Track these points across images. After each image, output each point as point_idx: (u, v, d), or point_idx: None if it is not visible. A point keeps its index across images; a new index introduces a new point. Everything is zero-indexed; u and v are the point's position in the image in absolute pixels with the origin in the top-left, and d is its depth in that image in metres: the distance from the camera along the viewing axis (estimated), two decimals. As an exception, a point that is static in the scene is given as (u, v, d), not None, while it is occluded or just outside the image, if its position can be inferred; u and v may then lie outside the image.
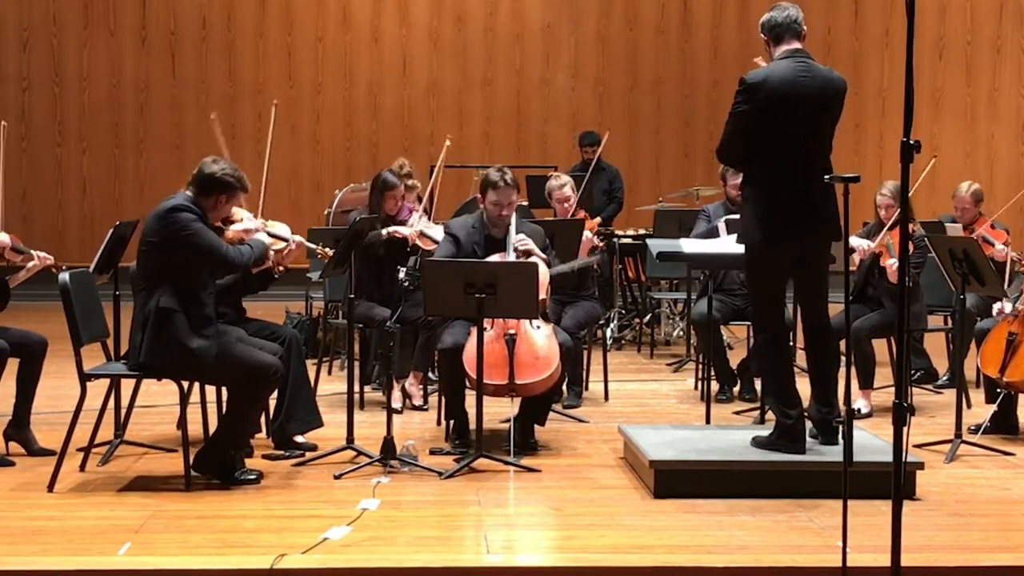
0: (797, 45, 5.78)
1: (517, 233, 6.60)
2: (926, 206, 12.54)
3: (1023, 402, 7.00)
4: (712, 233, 7.54)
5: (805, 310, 5.90)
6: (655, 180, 14.14)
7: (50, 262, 6.43)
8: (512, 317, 6.21)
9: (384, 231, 7.39)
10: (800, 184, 5.63)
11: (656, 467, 5.55)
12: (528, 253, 6.50)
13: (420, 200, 8.08)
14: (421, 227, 7.53)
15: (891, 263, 7.15)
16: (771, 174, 5.68)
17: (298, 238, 6.26)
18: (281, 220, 6.50)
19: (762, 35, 5.87)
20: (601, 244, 7.94)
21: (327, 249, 6.53)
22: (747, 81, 5.70)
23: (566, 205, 8.07)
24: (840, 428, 5.63)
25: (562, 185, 8.11)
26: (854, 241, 7.26)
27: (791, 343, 6.18)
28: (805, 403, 5.81)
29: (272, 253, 6.07)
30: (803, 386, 5.81)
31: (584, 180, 9.73)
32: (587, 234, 7.72)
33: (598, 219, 10.66)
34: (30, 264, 6.43)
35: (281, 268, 6.23)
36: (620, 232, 10.84)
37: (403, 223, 7.58)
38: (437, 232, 7.39)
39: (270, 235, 6.12)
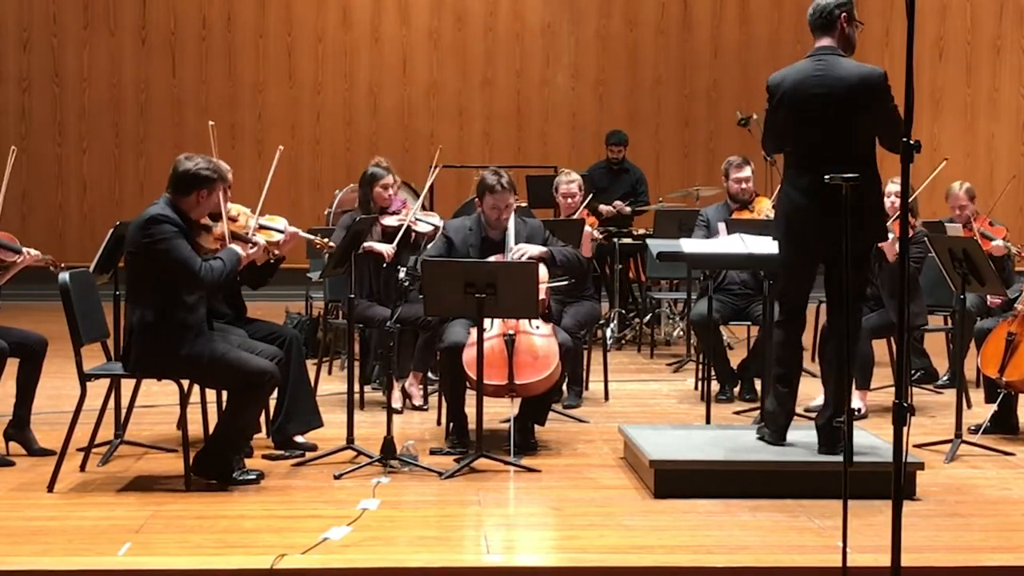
0: (827, 42, 5.71)
1: (516, 234, 6.61)
2: (926, 206, 12.51)
3: (1023, 402, 7.00)
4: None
5: (829, 309, 5.89)
6: (655, 180, 14.07)
7: (37, 256, 6.36)
8: (512, 317, 6.21)
9: (362, 247, 7.24)
10: (817, 193, 5.50)
11: (656, 467, 5.55)
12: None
13: (411, 188, 8.08)
14: (415, 215, 7.56)
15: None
16: (798, 173, 5.72)
17: (293, 228, 6.21)
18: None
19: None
20: (600, 237, 8.03)
21: (326, 240, 6.53)
22: (768, 82, 5.85)
23: (570, 201, 8.12)
24: (838, 432, 5.67)
25: (570, 181, 8.21)
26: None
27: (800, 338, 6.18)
28: (804, 403, 5.82)
29: (256, 245, 5.99)
30: (804, 387, 5.82)
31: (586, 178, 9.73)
32: (587, 229, 7.77)
33: (617, 203, 10.80)
34: (18, 259, 6.32)
35: (277, 253, 6.14)
36: (624, 229, 10.81)
37: (395, 214, 7.58)
38: (433, 218, 7.45)
39: (263, 228, 6.09)
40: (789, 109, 5.70)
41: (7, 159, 6.78)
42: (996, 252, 7.83)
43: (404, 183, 8.78)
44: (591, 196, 10.36)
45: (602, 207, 10.80)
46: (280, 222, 6.24)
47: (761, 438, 5.89)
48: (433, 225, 7.45)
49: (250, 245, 5.95)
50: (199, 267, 5.52)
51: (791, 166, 5.78)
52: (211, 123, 6.53)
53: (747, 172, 8.18)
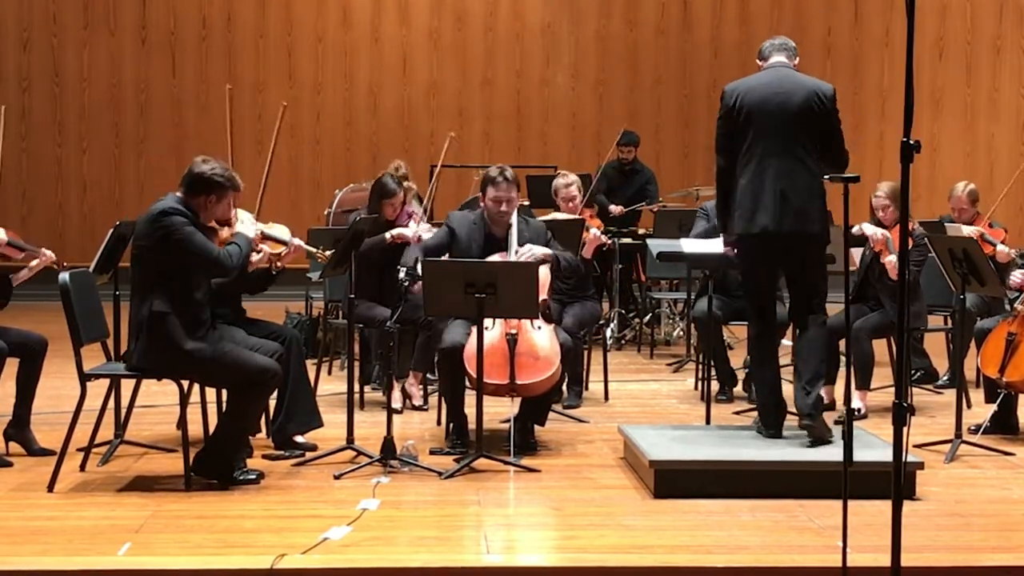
0: (782, 59, 6.14)
1: (519, 233, 6.61)
2: (926, 206, 12.55)
3: (1023, 402, 6.99)
4: (712, 232, 7.53)
5: (793, 304, 6.19)
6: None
7: (54, 259, 6.43)
8: (512, 317, 6.21)
9: (388, 234, 7.34)
10: (773, 187, 5.89)
11: (656, 467, 5.55)
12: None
13: (420, 200, 8.05)
14: (422, 233, 7.54)
15: (891, 259, 7.16)
16: (745, 177, 5.98)
17: (297, 241, 6.26)
18: (281, 220, 6.51)
19: (758, 62, 6.23)
20: (609, 242, 8.04)
21: (327, 252, 6.52)
22: (724, 89, 6.13)
23: (571, 204, 8.11)
24: (815, 425, 5.84)
25: (568, 184, 8.17)
26: (867, 229, 7.27)
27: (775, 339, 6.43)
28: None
29: (262, 251, 6.05)
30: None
31: (590, 177, 9.72)
32: (595, 231, 7.68)
33: (619, 207, 10.79)
34: (33, 263, 6.45)
35: (280, 266, 6.22)
36: (625, 229, 10.80)
37: (402, 228, 7.57)
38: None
39: (268, 238, 6.12)
40: (748, 111, 5.98)
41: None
42: (1001, 258, 7.84)
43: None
44: (599, 196, 10.37)
45: (611, 207, 10.83)
46: (282, 231, 6.24)
47: (759, 431, 6.07)
48: None
49: (254, 252, 5.97)
50: (218, 253, 5.57)
51: (748, 163, 5.99)
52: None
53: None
